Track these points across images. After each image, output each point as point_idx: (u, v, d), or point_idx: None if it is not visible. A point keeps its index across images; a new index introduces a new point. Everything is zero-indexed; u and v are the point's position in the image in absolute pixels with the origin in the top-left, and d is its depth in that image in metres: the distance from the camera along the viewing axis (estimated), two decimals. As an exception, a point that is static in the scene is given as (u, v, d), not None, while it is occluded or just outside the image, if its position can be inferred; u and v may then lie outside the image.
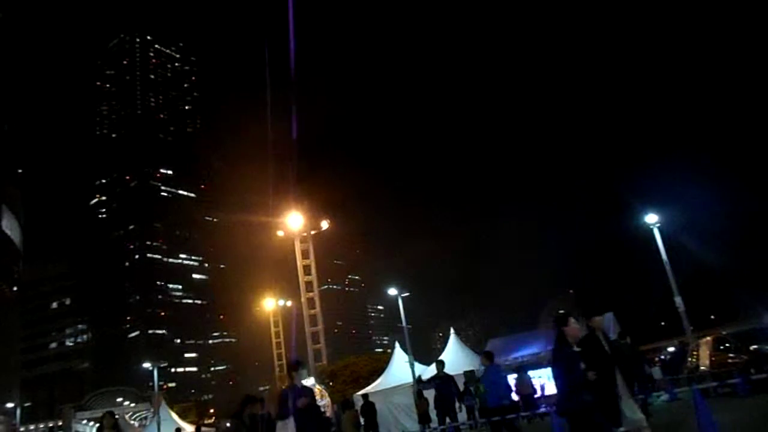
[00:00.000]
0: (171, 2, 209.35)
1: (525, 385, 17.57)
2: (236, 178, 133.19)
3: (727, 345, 15.31)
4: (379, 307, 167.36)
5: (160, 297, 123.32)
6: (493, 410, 10.06)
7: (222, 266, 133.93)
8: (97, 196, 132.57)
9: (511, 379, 18.91)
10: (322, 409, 17.69)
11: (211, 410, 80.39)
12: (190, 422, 38.84)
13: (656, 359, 27.18)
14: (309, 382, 22.17)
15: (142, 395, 55.68)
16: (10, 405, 56.85)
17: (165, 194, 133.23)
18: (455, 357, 20.47)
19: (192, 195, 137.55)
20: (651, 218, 22.82)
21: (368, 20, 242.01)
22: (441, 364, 12.28)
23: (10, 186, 66.26)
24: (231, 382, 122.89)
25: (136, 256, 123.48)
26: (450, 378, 13.03)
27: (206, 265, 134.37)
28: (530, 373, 19.05)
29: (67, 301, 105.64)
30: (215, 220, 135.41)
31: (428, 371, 23.12)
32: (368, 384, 22.66)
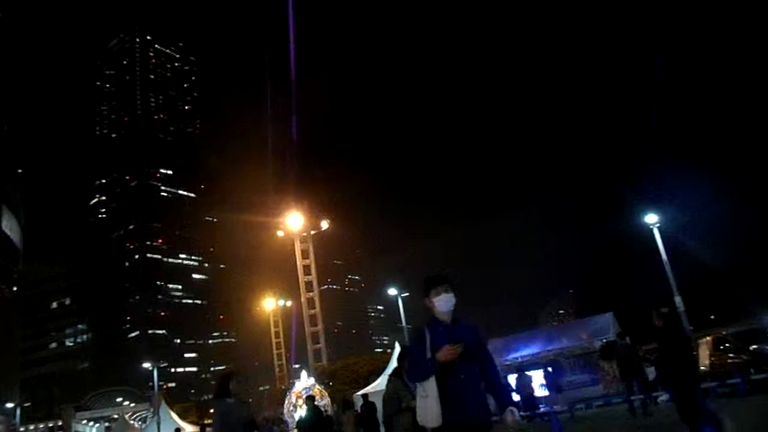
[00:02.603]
0: (171, 2, 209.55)
1: (525, 385, 17.57)
2: (236, 178, 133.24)
3: (727, 345, 15.33)
4: (379, 307, 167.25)
5: (160, 297, 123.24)
6: None
7: (222, 266, 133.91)
8: (97, 196, 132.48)
9: (512, 378, 18.98)
10: (322, 409, 17.69)
11: (211, 410, 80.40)
12: (190, 422, 38.82)
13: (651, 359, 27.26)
14: (309, 382, 22.18)
15: (142, 395, 55.57)
16: (10, 405, 56.79)
17: (165, 194, 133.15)
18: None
19: (192, 195, 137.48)
20: (651, 218, 22.87)
21: (369, 21, 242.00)
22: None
23: (10, 186, 66.22)
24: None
25: (136, 256, 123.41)
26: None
27: (206, 265, 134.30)
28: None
29: (67, 301, 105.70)
30: (215, 220, 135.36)
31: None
32: (368, 384, 22.67)
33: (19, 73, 78.38)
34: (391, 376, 6.25)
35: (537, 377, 21.30)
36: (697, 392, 6.93)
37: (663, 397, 14.38)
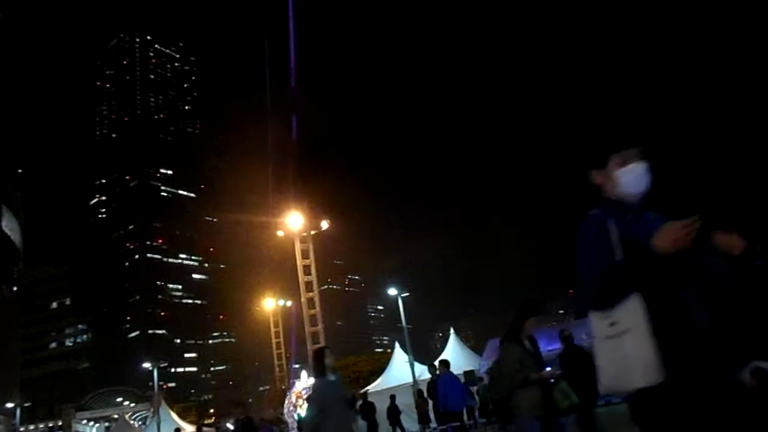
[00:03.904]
0: (171, 2, 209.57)
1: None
2: (236, 178, 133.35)
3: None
4: (379, 307, 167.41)
5: (160, 297, 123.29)
6: (449, 414, 10.62)
7: (222, 266, 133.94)
8: (97, 196, 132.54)
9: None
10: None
11: (211, 410, 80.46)
12: (190, 422, 38.84)
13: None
14: (309, 382, 22.16)
15: (142, 395, 55.65)
16: (10, 405, 56.73)
17: (165, 194, 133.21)
18: (455, 357, 20.50)
19: (192, 195, 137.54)
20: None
21: (369, 21, 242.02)
22: (446, 365, 12.34)
23: (10, 186, 66.21)
24: (231, 382, 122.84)
25: (136, 256, 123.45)
26: (456, 377, 13.10)
27: (206, 265, 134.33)
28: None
29: (67, 301, 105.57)
30: (215, 220, 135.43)
31: (427, 372, 23.11)
32: (368, 384, 22.69)
33: (19, 73, 78.38)
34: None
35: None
36: (591, 417, 6.75)
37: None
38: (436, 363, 12.68)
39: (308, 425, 5.10)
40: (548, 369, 4.36)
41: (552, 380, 4.32)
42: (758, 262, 2.42)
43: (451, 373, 11.45)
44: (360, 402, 16.80)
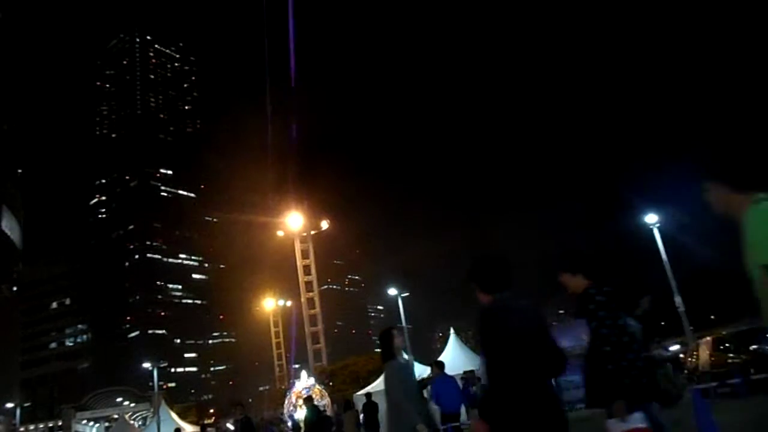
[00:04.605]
0: (171, 2, 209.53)
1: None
2: (236, 178, 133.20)
3: (727, 345, 15.30)
4: (379, 307, 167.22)
5: (160, 297, 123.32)
6: (447, 416, 10.65)
7: (222, 266, 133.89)
8: (97, 196, 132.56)
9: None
10: (321, 408, 17.69)
11: (211, 410, 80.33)
12: (190, 422, 38.84)
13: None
14: (309, 382, 22.19)
15: (142, 395, 55.55)
16: (10, 405, 56.79)
17: (165, 194, 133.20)
18: (455, 357, 20.48)
19: (192, 195, 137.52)
20: (651, 218, 22.88)
21: (369, 21, 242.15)
22: (440, 366, 12.32)
23: (10, 186, 66.18)
24: (231, 382, 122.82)
25: (136, 256, 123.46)
26: (452, 378, 13.08)
27: (206, 265, 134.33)
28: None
29: (67, 301, 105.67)
30: (215, 220, 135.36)
31: (428, 372, 23.10)
32: (368, 384, 22.68)
33: (19, 73, 78.40)
34: None
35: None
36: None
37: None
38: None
39: (396, 409, 4.76)
40: (657, 352, 4.05)
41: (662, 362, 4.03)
42: (590, 306, 2.85)
43: (446, 374, 11.46)
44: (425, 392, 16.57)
